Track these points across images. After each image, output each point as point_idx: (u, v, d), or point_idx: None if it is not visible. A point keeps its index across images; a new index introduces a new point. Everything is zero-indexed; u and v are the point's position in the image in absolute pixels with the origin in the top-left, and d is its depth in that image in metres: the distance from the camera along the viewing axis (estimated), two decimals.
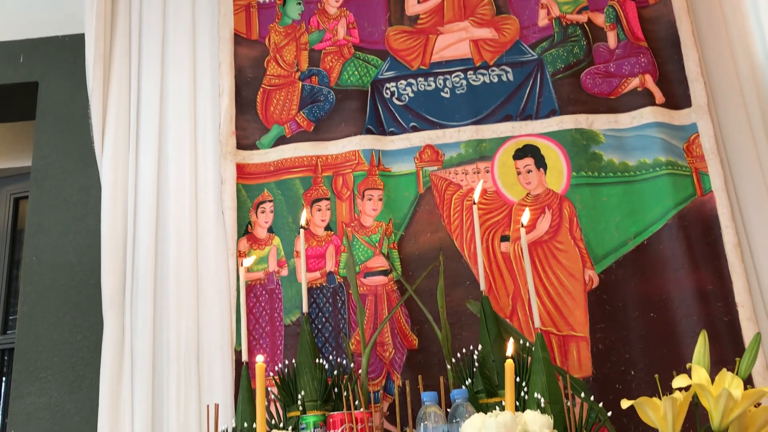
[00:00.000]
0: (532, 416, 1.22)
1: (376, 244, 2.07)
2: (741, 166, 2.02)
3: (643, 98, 2.09)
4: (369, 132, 2.17)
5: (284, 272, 2.11)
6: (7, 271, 2.77)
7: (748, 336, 1.81)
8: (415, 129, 2.17)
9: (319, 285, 2.08)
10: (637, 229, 1.99)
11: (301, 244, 1.81)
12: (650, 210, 1.99)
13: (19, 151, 2.86)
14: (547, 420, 1.22)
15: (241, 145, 2.19)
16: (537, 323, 1.58)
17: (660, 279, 1.92)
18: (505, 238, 2.03)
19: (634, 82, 2.13)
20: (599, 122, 2.10)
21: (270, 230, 2.14)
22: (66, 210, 2.32)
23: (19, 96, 2.58)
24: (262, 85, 2.27)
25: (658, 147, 2.03)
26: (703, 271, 1.91)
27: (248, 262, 1.71)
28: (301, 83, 2.27)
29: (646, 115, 2.07)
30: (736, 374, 1.21)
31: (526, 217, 1.71)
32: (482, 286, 1.73)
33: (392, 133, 2.17)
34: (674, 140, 2.05)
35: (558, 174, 2.06)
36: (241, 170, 2.17)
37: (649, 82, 2.12)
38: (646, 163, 2.04)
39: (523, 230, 1.68)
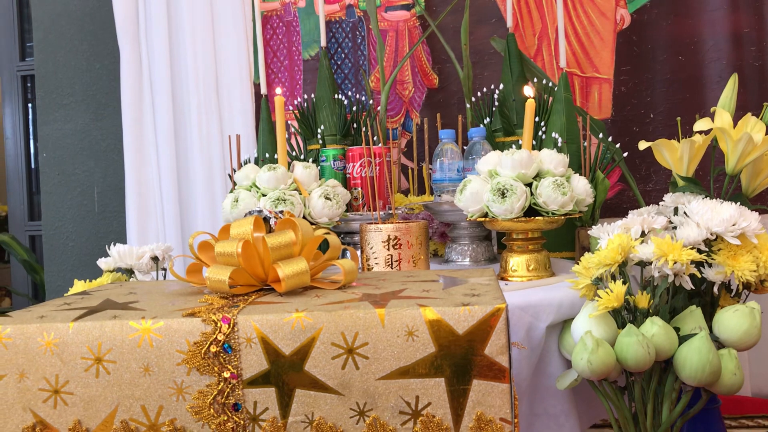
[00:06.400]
0: (547, 154, 1.23)
1: None
2: None
3: None
4: None
5: (301, 3, 2.02)
6: None
7: None
8: None
9: (338, 18, 2.01)
10: None
11: None
12: None
13: None
14: (562, 158, 1.24)
15: None
16: (563, 63, 1.54)
17: (695, 20, 1.83)
18: None
19: None
20: None
21: None
22: None
23: None
24: None
25: None
26: (741, 13, 1.81)
27: None
28: None
29: None
30: (761, 119, 1.20)
31: None
32: (509, 23, 1.66)
33: None
34: None
35: None
36: None
37: None
38: None
39: None
